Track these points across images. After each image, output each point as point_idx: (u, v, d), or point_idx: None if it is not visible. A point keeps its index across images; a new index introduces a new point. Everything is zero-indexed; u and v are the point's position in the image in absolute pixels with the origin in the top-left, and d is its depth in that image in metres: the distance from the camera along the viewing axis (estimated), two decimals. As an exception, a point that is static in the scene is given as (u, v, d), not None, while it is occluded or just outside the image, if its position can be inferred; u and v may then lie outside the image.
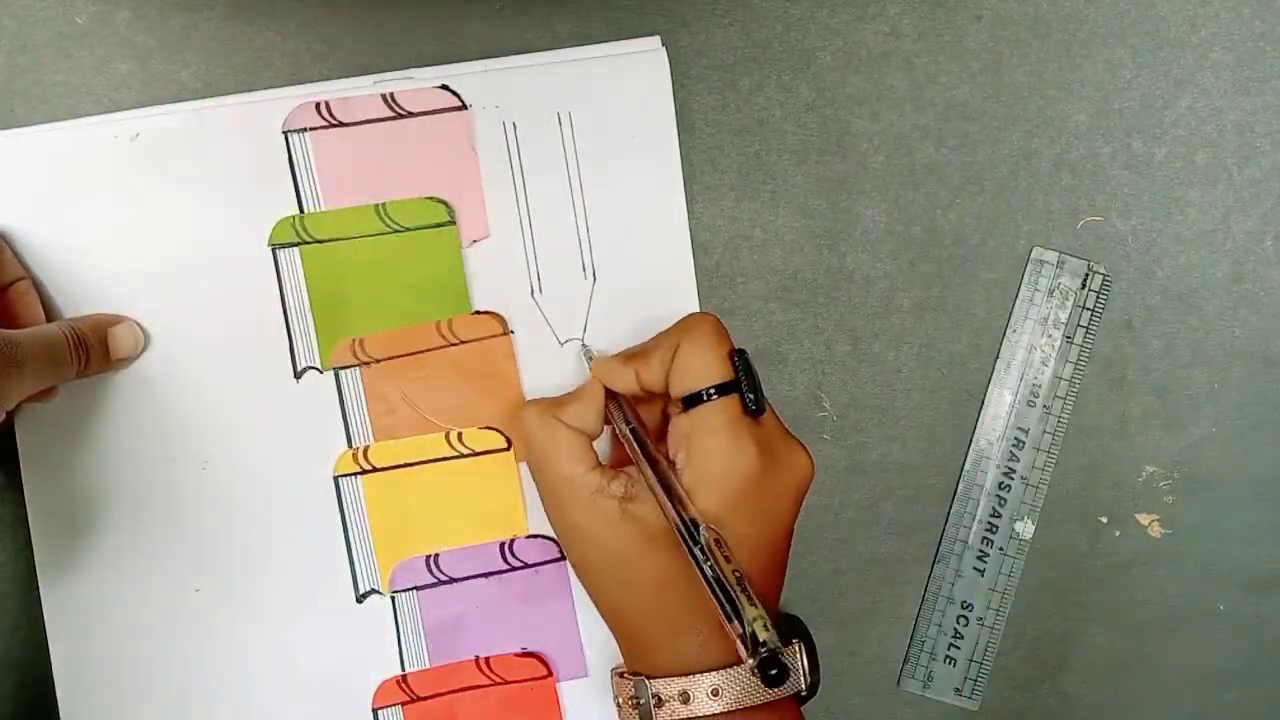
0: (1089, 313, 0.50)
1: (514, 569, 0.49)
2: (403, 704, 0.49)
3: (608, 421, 0.45)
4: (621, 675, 0.44)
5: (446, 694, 0.49)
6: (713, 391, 0.42)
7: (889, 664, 0.51)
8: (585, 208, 0.48)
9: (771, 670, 0.36)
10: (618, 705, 0.43)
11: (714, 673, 0.40)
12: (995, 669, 0.51)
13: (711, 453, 0.41)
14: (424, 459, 0.49)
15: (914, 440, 0.51)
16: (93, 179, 0.47)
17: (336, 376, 0.48)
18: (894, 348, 0.50)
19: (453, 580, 0.49)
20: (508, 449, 0.49)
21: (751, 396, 0.42)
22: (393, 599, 0.49)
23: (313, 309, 0.48)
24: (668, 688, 0.41)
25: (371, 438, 0.48)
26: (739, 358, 0.42)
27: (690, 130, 0.49)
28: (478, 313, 0.48)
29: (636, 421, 0.44)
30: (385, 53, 0.48)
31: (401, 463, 0.49)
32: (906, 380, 0.50)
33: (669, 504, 0.41)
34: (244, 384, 0.48)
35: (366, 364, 0.48)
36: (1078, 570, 0.51)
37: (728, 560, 0.38)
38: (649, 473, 0.42)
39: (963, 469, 0.51)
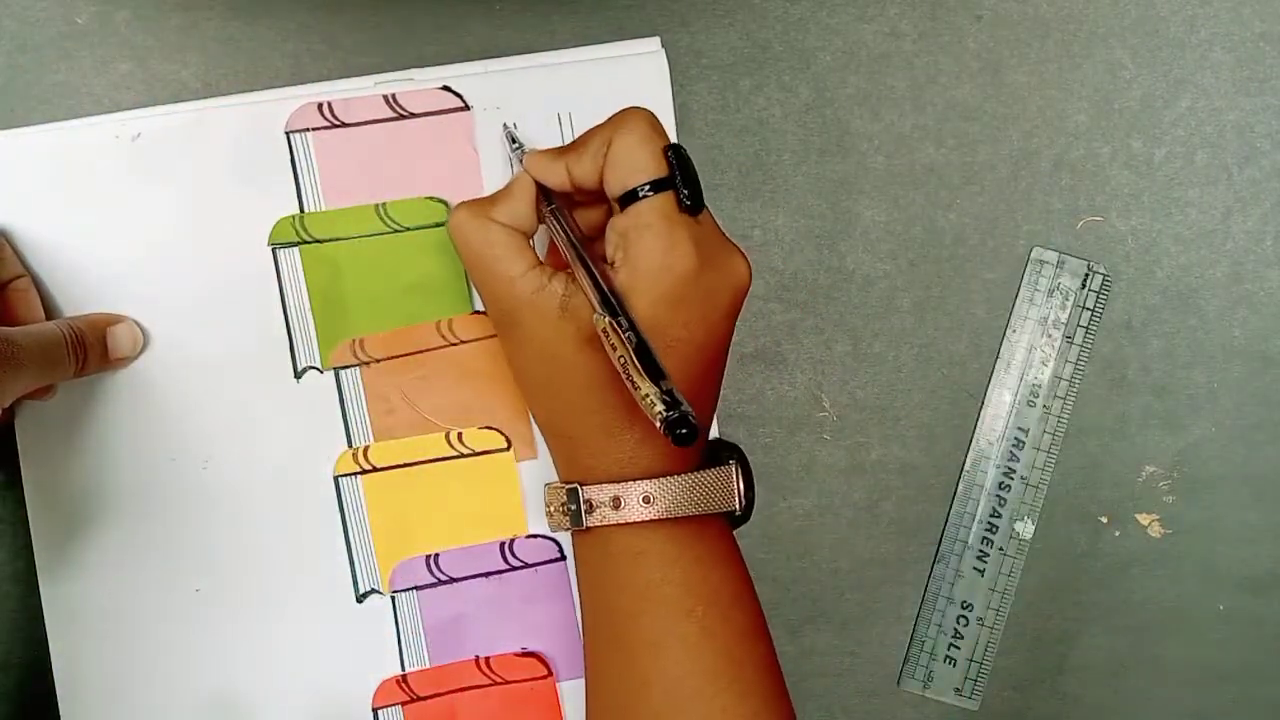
0: (1089, 313, 0.50)
1: (514, 569, 0.49)
2: (403, 704, 0.49)
3: (541, 220, 0.44)
4: (554, 486, 0.43)
5: (446, 694, 0.49)
6: (648, 188, 0.40)
7: (889, 664, 0.51)
8: (585, 208, 0.48)
9: (680, 430, 0.35)
10: (549, 514, 0.43)
11: (647, 480, 0.40)
12: (995, 669, 0.51)
13: (646, 249, 0.40)
14: (424, 459, 0.49)
15: (914, 440, 0.51)
16: (93, 179, 0.47)
17: (336, 376, 0.48)
18: (894, 348, 0.50)
19: (453, 580, 0.49)
20: (508, 449, 0.49)
21: (686, 192, 0.40)
22: (393, 599, 0.49)
23: (313, 309, 0.48)
24: (600, 493, 0.40)
25: (371, 438, 0.48)
26: (674, 152, 0.41)
27: (690, 130, 0.49)
28: (478, 313, 0.48)
29: (567, 216, 0.43)
30: (385, 53, 0.48)
31: (401, 463, 0.49)
32: (906, 380, 0.50)
33: (584, 280, 0.40)
34: (244, 384, 0.48)
35: (366, 364, 0.48)
36: (1078, 570, 0.51)
37: (623, 334, 0.38)
38: (567, 250, 0.41)
39: (963, 469, 0.51)
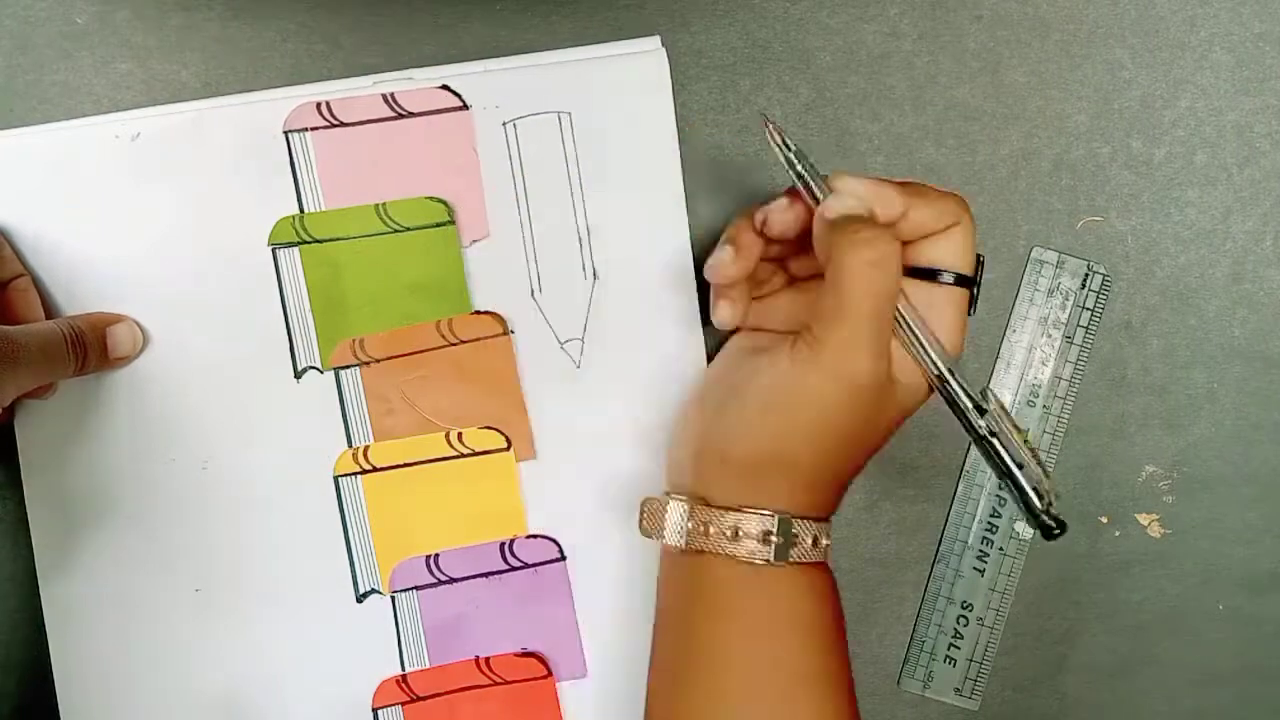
0: (1089, 313, 0.50)
1: (514, 569, 0.49)
2: (403, 704, 0.49)
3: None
4: (722, 507, 0.41)
5: (446, 694, 0.49)
6: (950, 277, 0.41)
7: (889, 664, 0.51)
8: (585, 208, 0.48)
9: (1056, 531, 0.38)
10: (695, 533, 0.41)
11: (824, 523, 0.42)
12: (995, 669, 0.51)
13: (949, 328, 0.41)
14: (424, 459, 0.49)
15: (914, 440, 0.50)
16: (93, 179, 0.47)
17: (336, 376, 0.48)
18: (894, 348, 0.50)
19: (453, 580, 0.49)
20: (508, 449, 0.49)
21: (976, 297, 0.42)
22: (393, 599, 0.49)
23: (313, 309, 0.48)
24: (807, 530, 0.41)
25: (371, 438, 0.48)
26: (980, 261, 0.42)
27: (690, 130, 0.49)
28: (478, 313, 0.48)
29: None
30: (385, 53, 0.48)
31: (401, 463, 0.49)
32: (906, 380, 0.50)
33: (953, 385, 0.41)
34: (244, 384, 0.48)
35: (366, 364, 0.48)
36: (1078, 570, 0.51)
37: (1018, 429, 0.40)
38: (920, 345, 0.42)
39: (963, 469, 0.51)
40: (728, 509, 0.41)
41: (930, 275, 0.41)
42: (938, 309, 0.41)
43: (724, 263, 0.43)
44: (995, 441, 0.40)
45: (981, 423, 0.41)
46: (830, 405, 0.40)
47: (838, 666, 0.41)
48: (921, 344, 0.41)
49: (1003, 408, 0.41)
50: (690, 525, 0.41)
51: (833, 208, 0.40)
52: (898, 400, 0.41)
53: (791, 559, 0.41)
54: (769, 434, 0.41)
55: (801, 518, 0.41)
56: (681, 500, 0.42)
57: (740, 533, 0.40)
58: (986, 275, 0.50)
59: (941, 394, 0.41)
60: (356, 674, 0.49)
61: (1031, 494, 0.40)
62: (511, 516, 0.49)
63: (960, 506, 0.51)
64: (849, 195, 0.41)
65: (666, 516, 0.42)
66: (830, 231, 0.40)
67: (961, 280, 0.41)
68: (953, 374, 0.41)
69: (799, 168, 0.42)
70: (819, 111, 0.50)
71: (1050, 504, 0.40)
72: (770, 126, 0.42)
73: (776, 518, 0.40)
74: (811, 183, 0.41)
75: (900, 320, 0.41)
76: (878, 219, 0.40)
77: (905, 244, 0.41)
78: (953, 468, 0.51)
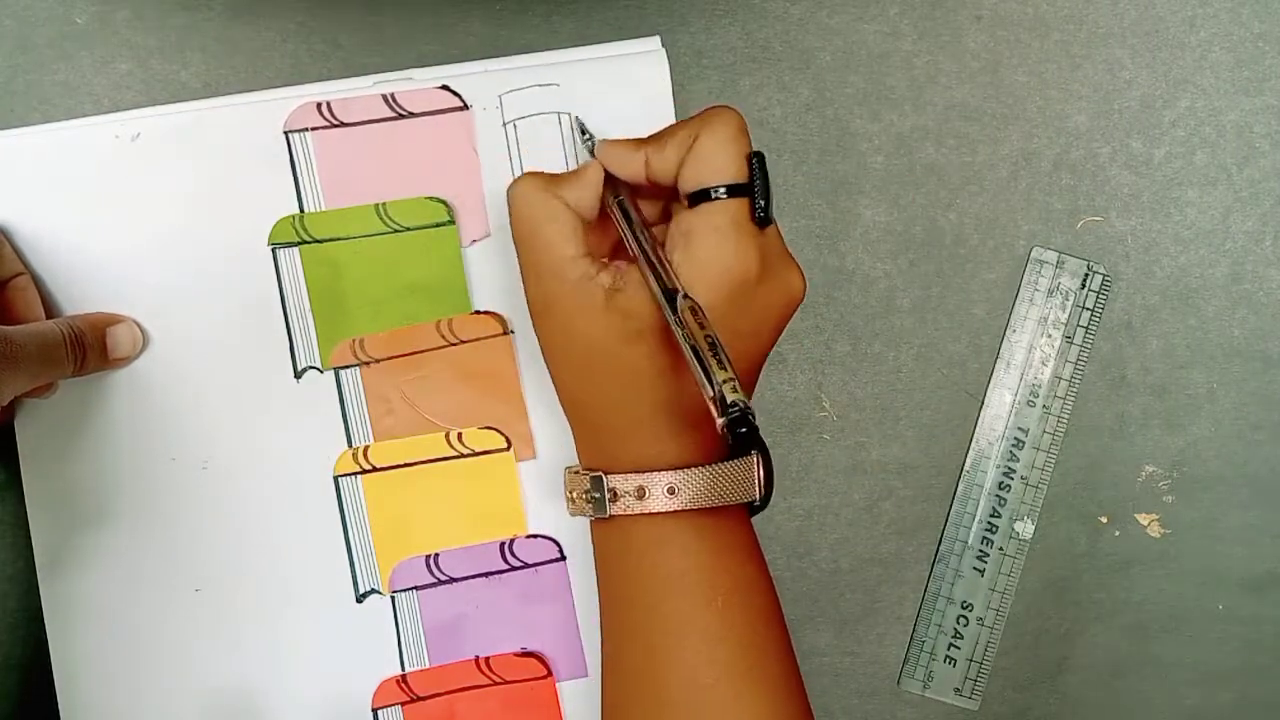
0: (1088, 313, 0.50)
1: (514, 569, 0.49)
2: (402, 704, 0.49)
3: (603, 212, 0.44)
4: (575, 471, 0.42)
5: (446, 694, 0.49)
6: (723, 190, 0.40)
7: (889, 664, 0.51)
8: (585, 208, 0.48)
9: (741, 429, 0.35)
10: (570, 500, 0.42)
11: (672, 471, 0.40)
12: (995, 669, 0.51)
13: (710, 250, 0.40)
14: (424, 459, 0.49)
15: (914, 440, 0.51)
16: (93, 179, 0.47)
17: (336, 376, 0.48)
18: (894, 348, 0.50)
19: (453, 580, 0.49)
20: (508, 449, 0.49)
21: (762, 203, 0.40)
22: (393, 599, 0.49)
23: (313, 309, 0.48)
24: (625, 483, 0.40)
25: (371, 438, 0.48)
26: (757, 160, 0.41)
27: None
28: (478, 313, 0.48)
29: (635, 208, 0.43)
30: (385, 53, 0.48)
31: (401, 463, 0.49)
32: (906, 380, 0.50)
33: (645, 268, 0.40)
34: (244, 384, 0.48)
35: (366, 364, 0.48)
36: (1078, 570, 0.51)
37: (701, 326, 0.37)
38: (631, 240, 0.41)
39: (963, 469, 0.51)
40: (575, 472, 0.42)
41: (703, 197, 0.40)
42: (714, 222, 0.40)
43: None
44: (680, 333, 0.38)
45: (682, 327, 0.38)
46: (544, 348, 0.43)
47: (712, 619, 0.40)
48: (643, 257, 0.40)
49: (696, 312, 0.38)
50: (564, 491, 0.43)
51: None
52: (621, 310, 0.40)
53: (614, 513, 0.40)
54: (568, 400, 0.43)
55: (614, 472, 0.41)
56: (568, 468, 0.44)
57: (574, 494, 0.42)
58: (988, 273, 0.50)
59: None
60: (356, 674, 0.49)
61: (713, 388, 0.36)
62: (511, 516, 0.49)
63: (960, 506, 0.51)
64: (589, 176, 0.43)
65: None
66: None
67: (735, 190, 0.40)
68: (647, 252, 0.40)
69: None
70: (819, 111, 0.50)
71: (737, 404, 0.36)
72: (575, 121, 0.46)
73: (587, 476, 0.41)
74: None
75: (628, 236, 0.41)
76: (641, 180, 0.43)
77: (677, 184, 0.41)
78: (953, 468, 0.51)
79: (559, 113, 0.48)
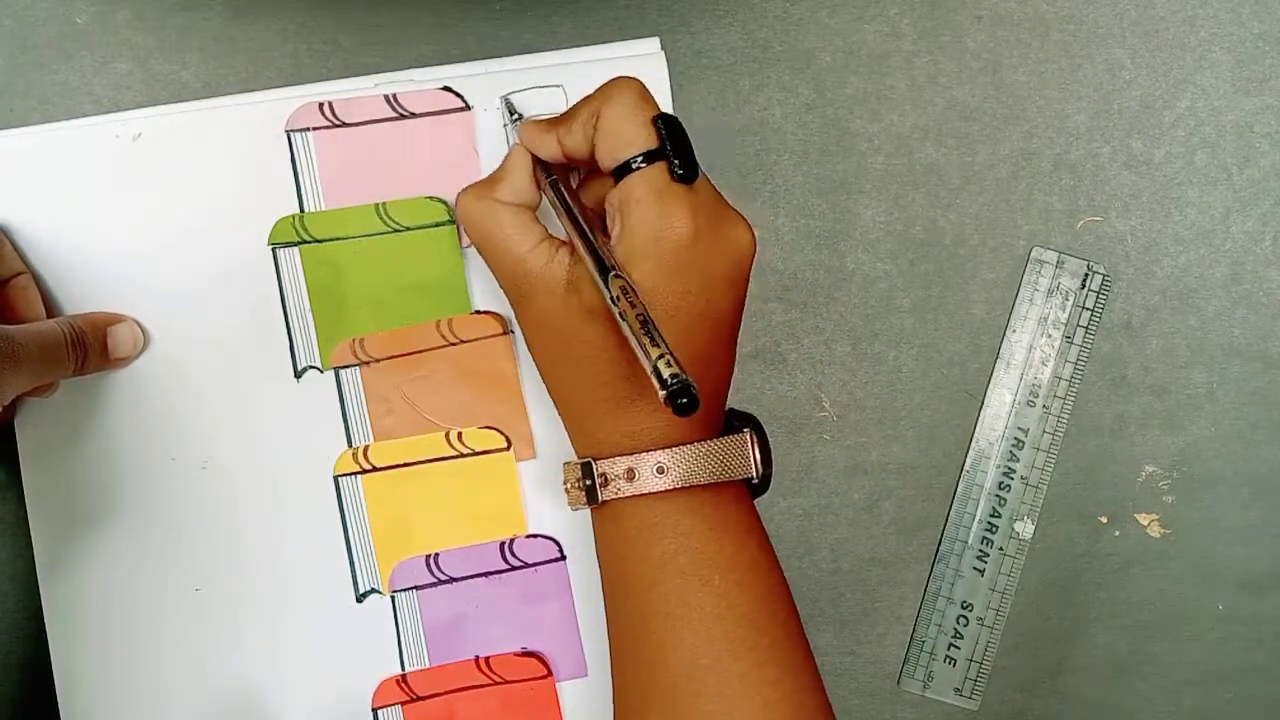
0: (1088, 313, 0.50)
1: (514, 569, 0.49)
2: (402, 704, 0.49)
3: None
4: (569, 463, 0.42)
5: (446, 694, 0.49)
6: (640, 160, 0.40)
7: (889, 664, 0.51)
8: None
9: (681, 399, 0.35)
10: (566, 491, 0.42)
11: (660, 450, 0.40)
12: (995, 669, 0.51)
13: (639, 221, 0.40)
14: (424, 459, 0.49)
15: (914, 440, 0.51)
16: (93, 179, 0.47)
17: (337, 376, 0.48)
18: (894, 348, 0.50)
19: (452, 580, 0.49)
20: (508, 449, 0.49)
21: (678, 162, 0.40)
22: (393, 599, 0.49)
23: (313, 308, 0.48)
24: (613, 466, 0.40)
25: (371, 437, 0.48)
26: (663, 122, 0.40)
27: (690, 130, 0.49)
28: (478, 312, 0.48)
29: (567, 187, 0.43)
30: (386, 53, 0.48)
31: (401, 462, 0.49)
32: (906, 380, 0.50)
33: (582, 250, 0.40)
34: (244, 384, 0.48)
35: (366, 364, 0.48)
36: (1078, 570, 0.51)
37: (632, 305, 0.37)
38: (565, 222, 0.41)
39: (963, 469, 0.51)
40: (568, 463, 0.42)
41: (626, 169, 0.40)
42: (636, 193, 0.40)
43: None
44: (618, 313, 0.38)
45: (611, 293, 0.38)
46: (527, 343, 0.43)
47: (709, 599, 0.40)
48: (585, 239, 0.40)
49: (627, 291, 0.38)
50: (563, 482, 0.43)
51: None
52: (577, 289, 0.41)
53: (606, 498, 0.40)
54: (549, 389, 0.43)
55: (603, 457, 0.40)
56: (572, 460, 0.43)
57: (569, 485, 0.42)
58: (988, 273, 0.50)
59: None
60: (356, 674, 0.49)
61: (650, 363, 0.36)
62: (511, 516, 0.49)
63: (960, 506, 0.51)
64: (515, 163, 0.43)
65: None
66: None
67: (652, 156, 0.40)
68: (589, 240, 0.40)
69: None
70: (819, 111, 0.50)
71: (675, 377, 0.35)
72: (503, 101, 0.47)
73: (578, 464, 0.41)
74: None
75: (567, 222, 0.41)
76: (560, 160, 0.43)
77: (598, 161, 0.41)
78: (953, 468, 0.51)
79: (559, 113, 0.48)
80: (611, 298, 0.38)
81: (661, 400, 0.35)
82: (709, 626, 0.40)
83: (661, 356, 0.36)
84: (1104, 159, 0.50)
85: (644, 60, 0.48)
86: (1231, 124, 0.50)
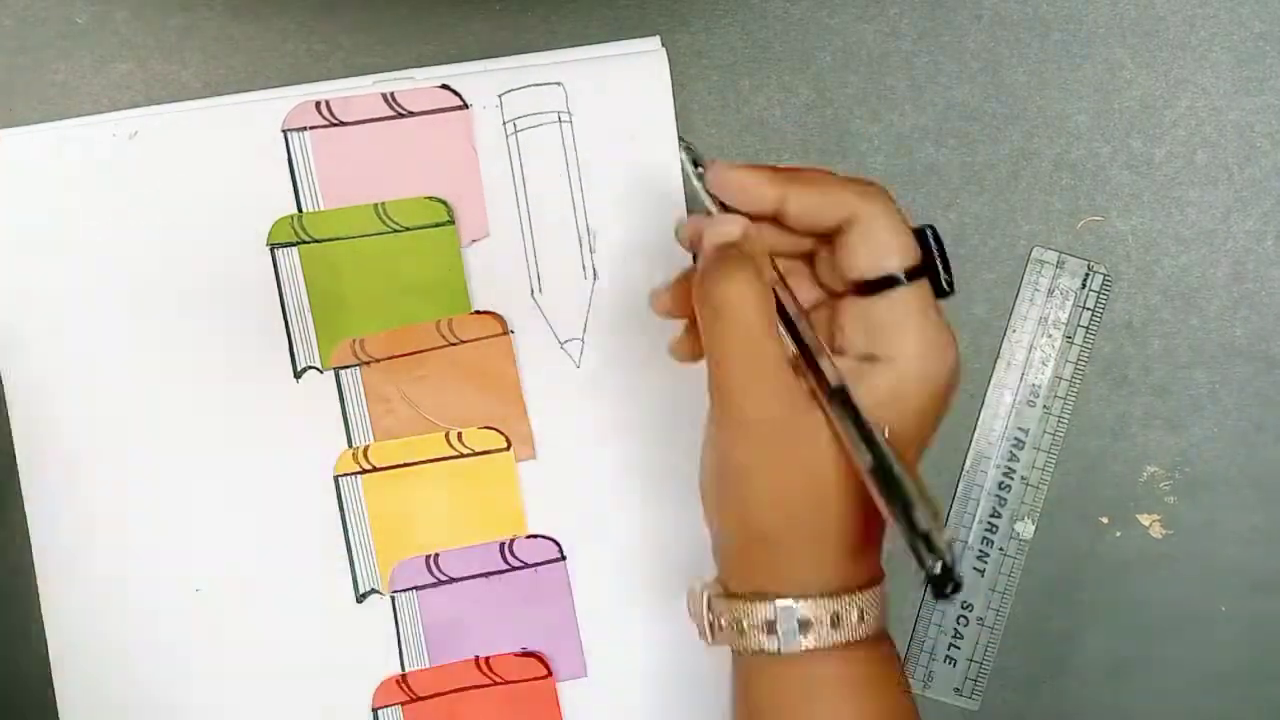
0: (1089, 313, 0.50)
1: (514, 569, 0.49)
2: (402, 704, 0.49)
3: None
4: (732, 595, 0.36)
5: (446, 694, 0.49)
6: (901, 275, 0.34)
7: (889, 664, 0.51)
8: (585, 208, 0.48)
9: (947, 589, 0.30)
10: (714, 628, 0.37)
11: (861, 593, 0.35)
12: (995, 669, 0.51)
13: (912, 347, 0.34)
14: (424, 459, 0.49)
15: (914, 440, 0.50)
16: (93, 179, 0.47)
17: (336, 376, 0.48)
18: (894, 348, 0.50)
19: (453, 580, 0.49)
20: (508, 449, 0.49)
21: (947, 277, 0.35)
22: (393, 599, 0.49)
23: (312, 309, 0.48)
24: (819, 610, 0.35)
25: (371, 437, 0.48)
26: (932, 232, 0.36)
27: (690, 130, 0.49)
28: (478, 313, 0.48)
29: (789, 294, 0.36)
30: (385, 53, 0.49)
31: (401, 463, 0.49)
32: (906, 380, 0.50)
33: (824, 365, 0.34)
34: (243, 384, 0.48)
35: (366, 364, 0.48)
36: (1078, 570, 0.51)
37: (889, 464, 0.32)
38: (807, 333, 0.35)
39: (963, 469, 0.51)
40: (735, 597, 0.36)
41: (884, 285, 0.35)
42: (898, 315, 0.35)
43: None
44: (885, 465, 0.33)
45: (869, 454, 0.33)
46: (741, 463, 0.35)
47: None
48: (814, 377, 0.35)
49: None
50: (710, 617, 0.37)
51: (707, 248, 0.36)
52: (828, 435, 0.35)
53: (804, 647, 0.35)
54: (728, 508, 0.36)
55: (804, 597, 0.35)
56: (704, 589, 0.37)
57: (744, 625, 0.36)
58: (988, 273, 0.50)
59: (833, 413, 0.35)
60: (356, 674, 0.49)
61: (918, 532, 0.31)
62: (511, 516, 0.49)
63: (960, 506, 0.51)
64: (723, 222, 0.36)
65: (691, 606, 0.38)
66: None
67: (914, 273, 0.35)
68: (844, 390, 0.34)
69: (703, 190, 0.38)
70: (819, 111, 0.50)
71: (944, 556, 0.31)
72: (683, 147, 0.39)
73: (767, 604, 0.35)
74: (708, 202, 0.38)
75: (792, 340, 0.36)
76: (748, 235, 0.36)
77: (821, 257, 0.37)
78: (953, 468, 0.51)
79: (559, 112, 0.48)
80: (869, 467, 0.33)
81: (921, 579, 0.30)
82: None
83: (926, 535, 0.31)
84: (1104, 159, 0.50)
85: (644, 59, 0.48)
86: (1232, 123, 0.50)
